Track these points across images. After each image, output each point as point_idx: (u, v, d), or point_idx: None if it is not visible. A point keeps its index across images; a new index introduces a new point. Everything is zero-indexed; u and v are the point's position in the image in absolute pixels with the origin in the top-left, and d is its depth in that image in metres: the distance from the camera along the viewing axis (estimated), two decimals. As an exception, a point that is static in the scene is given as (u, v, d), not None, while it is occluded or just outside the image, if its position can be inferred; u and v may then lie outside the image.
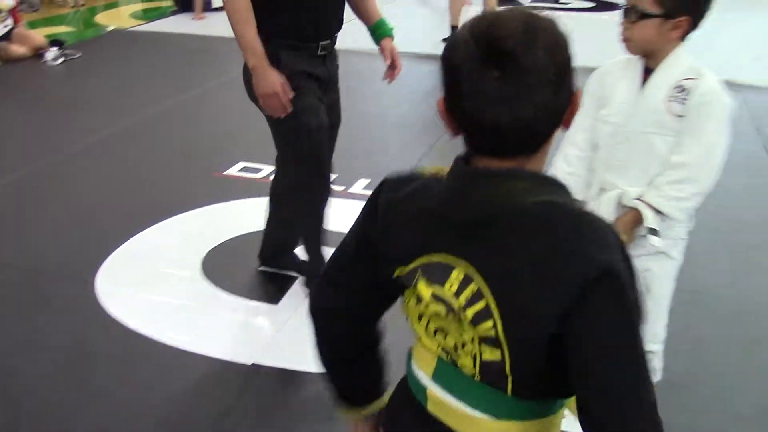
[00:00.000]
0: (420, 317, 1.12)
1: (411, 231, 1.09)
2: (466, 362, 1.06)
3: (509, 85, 0.96)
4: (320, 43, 2.66)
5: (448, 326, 1.07)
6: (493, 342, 1.02)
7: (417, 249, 1.09)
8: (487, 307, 1.00)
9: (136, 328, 2.82)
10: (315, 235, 2.95)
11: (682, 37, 1.92)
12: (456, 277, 1.04)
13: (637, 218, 1.96)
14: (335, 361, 1.30)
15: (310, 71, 2.66)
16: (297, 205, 2.91)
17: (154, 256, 3.34)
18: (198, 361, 2.66)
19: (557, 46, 1.00)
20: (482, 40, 0.97)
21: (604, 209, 1.98)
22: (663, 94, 1.92)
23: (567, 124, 1.03)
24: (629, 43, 1.93)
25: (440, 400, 1.11)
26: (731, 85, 6.93)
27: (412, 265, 1.09)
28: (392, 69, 2.87)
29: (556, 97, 0.99)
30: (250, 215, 3.71)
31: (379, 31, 2.87)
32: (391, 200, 1.13)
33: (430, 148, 4.28)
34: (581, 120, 2.01)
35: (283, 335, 2.81)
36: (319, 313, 1.25)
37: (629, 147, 1.97)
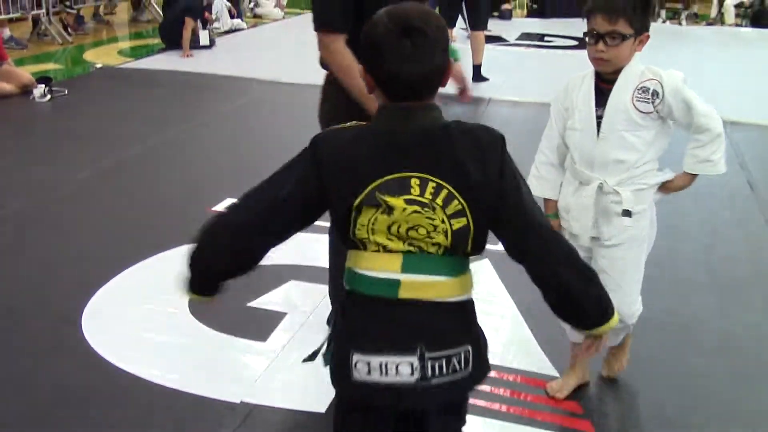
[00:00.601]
0: (390, 226, 1.50)
1: (364, 165, 1.50)
2: (438, 239, 1.51)
3: (419, 50, 1.46)
4: None
5: (421, 220, 1.49)
6: (460, 214, 1.50)
7: (372, 176, 1.49)
8: (449, 192, 1.49)
9: (123, 366, 2.78)
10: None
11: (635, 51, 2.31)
12: (416, 183, 1.49)
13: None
14: (213, 271, 1.75)
15: None
16: None
17: (141, 293, 3.31)
18: (186, 399, 2.62)
19: (442, 26, 1.51)
20: (398, 21, 1.47)
21: (586, 199, 2.36)
22: (628, 96, 2.29)
23: (445, 83, 1.55)
24: (607, 63, 2.28)
25: (413, 281, 1.52)
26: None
27: (368, 189, 1.49)
28: (462, 92, 2.94)
29: (444, 61, 1.51)
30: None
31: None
32: (335, 150, 1.54)
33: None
34: (548, 132, 2.51)
35: (271, 372, 2.78)
36: (223, 227, 1.65)
37: (605, 145, 2.33)
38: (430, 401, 1.57)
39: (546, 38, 10.43)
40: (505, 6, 11.96)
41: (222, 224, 1.65)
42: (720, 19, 12.82)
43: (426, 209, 1.49)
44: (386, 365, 1.52)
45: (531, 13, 13.04)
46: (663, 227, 4.17)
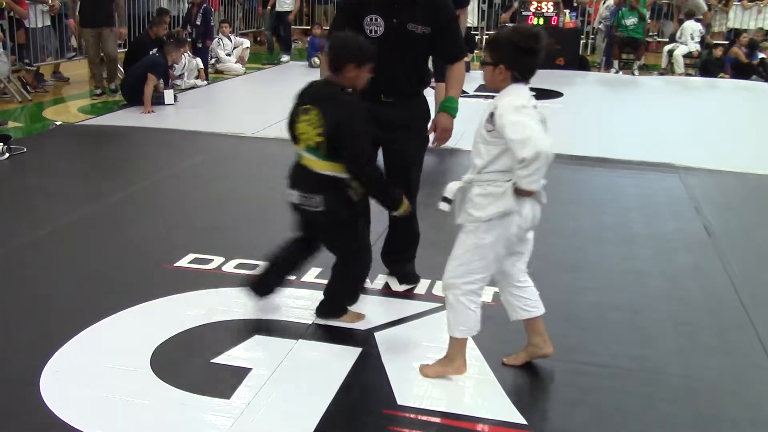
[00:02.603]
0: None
1: None
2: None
3: None
4: (381, 95, 3.63)
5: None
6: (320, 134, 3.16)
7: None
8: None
9: (83, 429, 2.71)
10: None
11: (507, 80, 2.88)
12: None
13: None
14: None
15: (372, 112, 3.49)
16: None
17: (101, 352, 3.25)
18: (147, 461, 2.56)
19: None
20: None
21: (455, 185, 2.98)
22: (486, 116, 2.88)
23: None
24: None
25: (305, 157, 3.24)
26: (668, 167, 7.22)
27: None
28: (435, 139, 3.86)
29: None
30: (200, 308, 3.66)
31: (442, 104, 3.82)
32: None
33: (383, 232, 4.31)
34: None
35: (236, 430, 2.73)
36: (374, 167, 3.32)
37: (473, 151, 2.96)
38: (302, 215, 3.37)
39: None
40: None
41: (373, 164, 3.31)
42: (671, 69, 13.23)
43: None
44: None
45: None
46: (623, 274, 4.27)
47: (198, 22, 11.24)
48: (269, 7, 14.53)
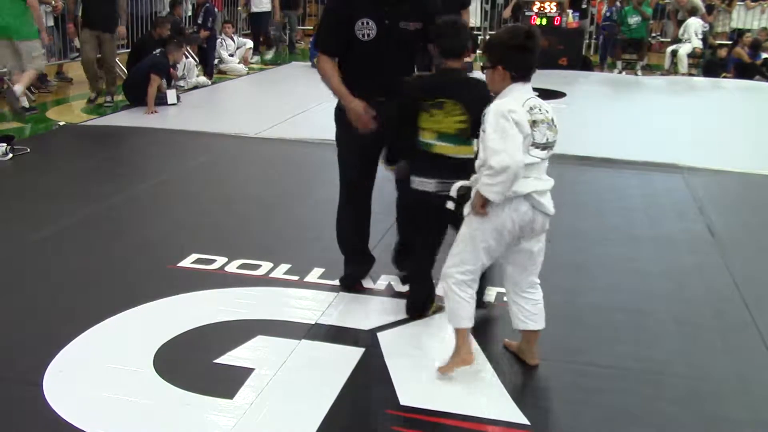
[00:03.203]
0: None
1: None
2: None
3: None
4: (376, 96, 3.62)
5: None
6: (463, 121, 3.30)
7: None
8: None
9: (86, 428, 2.71)
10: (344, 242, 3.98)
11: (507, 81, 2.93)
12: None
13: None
14: None
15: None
16: (338, 213, 3.95)
17: (104, 352, 3.25)
18: (150, 461, 2.56)
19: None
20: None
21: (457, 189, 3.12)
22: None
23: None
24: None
25: (440, 145, 3.33)
26: (672, 168, 7.20)
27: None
28: None
29: None
30: (203, 308, 3.66)
31: None
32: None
33: (386, 232, 4.30)
34: None
35: (239, 430, 2.73)
36: None
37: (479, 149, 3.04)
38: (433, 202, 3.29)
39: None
40: (466, 59, 12.20)
41: None
42: (674, 69, 13.21)
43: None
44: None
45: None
46: (627, 274, 4.26)
47: (200, 21, 11.26)
48: (240, 7, 14.41)
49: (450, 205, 3.11)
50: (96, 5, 9.01)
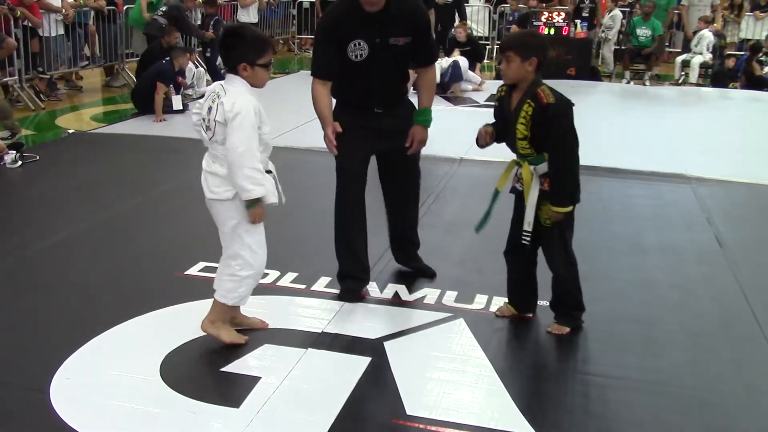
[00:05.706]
0: None
1: None
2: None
3: None
4: (374, 108, 3.79)
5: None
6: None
7: None
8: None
9: (91, 436, 2.72)
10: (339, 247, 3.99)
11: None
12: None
13: None
14: None
15: (363, 124, 3.77)
16: (335, 218, 3.99)
17: (111, 360, 3.26)
18: (156, 469, 2.56)
19: None
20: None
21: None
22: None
23: None
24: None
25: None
26: (680, 178, 7.16)
27: None
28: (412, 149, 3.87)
29: None
30: (211, 316, 3.66)
31: (417, 117, 3.87)
32: None
33: (387, 246, 4.31)
34: None
35: (245, 439, 2.73)
36: None
37: None
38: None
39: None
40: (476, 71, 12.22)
41: None
42: (684, 80, 13.19)
43: None
44: None
45: (499, 76, 13.29)
46: (634, 285, 4.25)
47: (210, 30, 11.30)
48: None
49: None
50: None
